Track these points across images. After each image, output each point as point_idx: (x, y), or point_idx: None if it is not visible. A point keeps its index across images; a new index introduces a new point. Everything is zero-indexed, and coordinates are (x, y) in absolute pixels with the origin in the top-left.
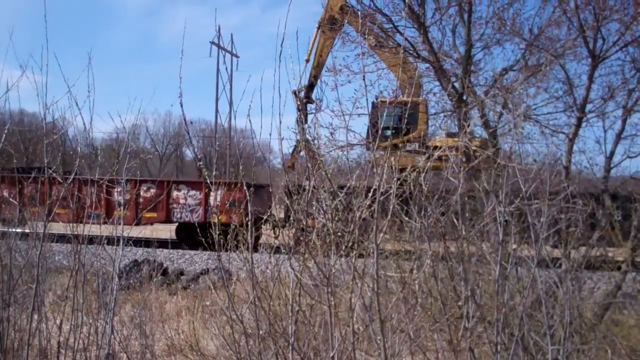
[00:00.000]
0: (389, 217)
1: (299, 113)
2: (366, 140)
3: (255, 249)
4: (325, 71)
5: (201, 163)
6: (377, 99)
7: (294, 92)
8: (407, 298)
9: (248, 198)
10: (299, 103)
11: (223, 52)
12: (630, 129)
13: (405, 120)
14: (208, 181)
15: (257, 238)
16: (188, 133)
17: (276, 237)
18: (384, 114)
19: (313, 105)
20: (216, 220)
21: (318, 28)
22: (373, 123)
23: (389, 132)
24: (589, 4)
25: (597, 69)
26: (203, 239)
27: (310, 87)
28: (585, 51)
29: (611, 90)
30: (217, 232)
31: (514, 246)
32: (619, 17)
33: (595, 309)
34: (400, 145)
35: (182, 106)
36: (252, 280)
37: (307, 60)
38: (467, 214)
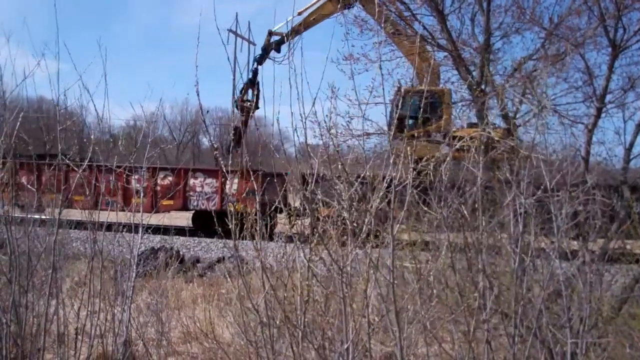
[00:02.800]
0: (405, 207)
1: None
2: (388, 129)
3: (271, 237)
4: (343, 59)
5: (217, 152)
6: (400, 86)
7: (270, 32)
8: (423, 289)
9: (258, 187)
10: (268, 43)
11: (240, 40)
12: None
13: (429, 109)
14: (224, 169)
15: (273, 227)
16: (205, 122)
17: (292, 227)
18: (409, 103)
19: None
20: (232, 209)
21: None
22: (397, 110)
23: (412, 122)
24: None
25: (618, 59)
26: (219, 228)
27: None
28: (606, 41)
29: (631, 80)
30: (234, 222)
31: (533, 238)
32: None
33: (613, 302)
34: (421, 135)
35: (198, 95)
36: (262, 270)
37: (300, 13)
38: (486, 205)
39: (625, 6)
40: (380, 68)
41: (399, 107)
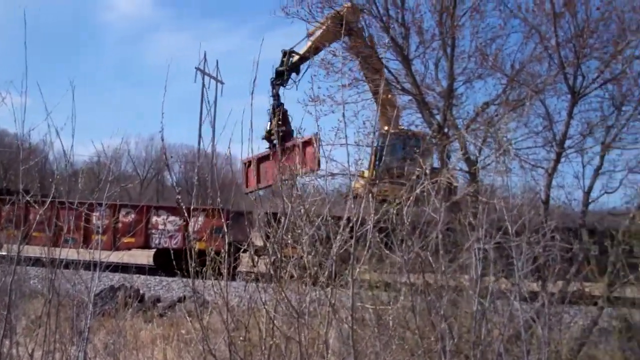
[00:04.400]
0: (367, 249)
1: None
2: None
3: (234, 277)
4: (310, 101)
5: (179, 197)
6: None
7: (289, 52)
8: (384, 331)
9: (225, 225)
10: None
11: (208, 78)
12: (608, 165)
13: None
14: (184, 211)
15: (235, 267)
16: (168, 166)
17: (255, 266)
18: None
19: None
20: (196, 247)
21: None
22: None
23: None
24: (570, 41)
25: (577, 105)
26: (181, 266)
27: (301, 60)
28: (566, 87)
29: (590, 126)
30: (193, 261)
31: (493, 280)
32: (598, 55)
33: (572, 344)
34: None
35: (162, 140)
36: (225, 310)
37: (311, 34)
38: (447, 247)
39: (584, 55)
40: (344, 113)
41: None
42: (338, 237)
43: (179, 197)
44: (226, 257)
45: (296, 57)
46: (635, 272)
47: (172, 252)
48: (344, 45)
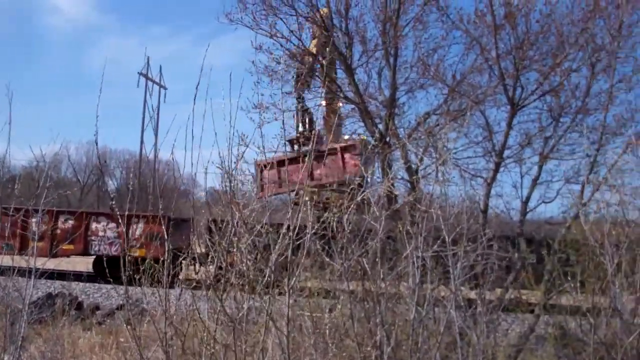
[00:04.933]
0: (304, 257)
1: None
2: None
3: (172, 285)
4: (253, 108)
5: (113, 203)
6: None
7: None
8: (322, 338)
9: (166, 232)
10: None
11: (151, 83)
12: (545, 175)
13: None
14: (120, 218)
15: (175, 275)
16: (102, 171)
17: (196, 273)
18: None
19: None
20: (135, 254)
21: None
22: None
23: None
24: (510, 53)
25: (516, 116)
26: (118, 274)
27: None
28: (505, 98)
29: (528, 137)
30: (126, 269)
31: (431, 287)
32: (537, 67)
33: (509, 350)
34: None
35: (96, 145)
36: (164, 320)
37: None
38: (388, 255)
39: (523, 67)
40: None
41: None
42: (277, 245)
43: (113, 202)
44: (165, 264)
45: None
46: (571, 280)
47: (110, 259)
48: (287, 53)
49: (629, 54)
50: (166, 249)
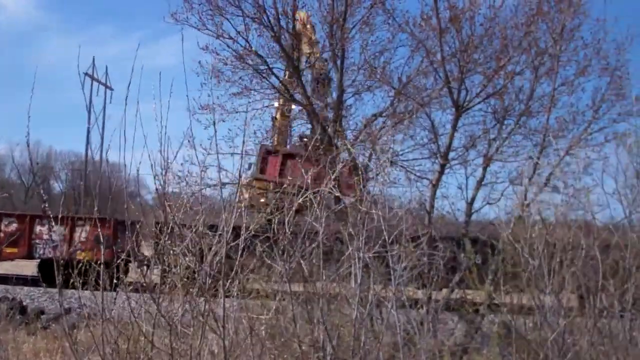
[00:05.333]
0: (245, 258)
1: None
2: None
3: (116, 288)
4: (200, 109)
5: (46, 205)
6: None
7: None
8: (260, 340)
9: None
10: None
11: (97, 83)
12: (490, 176)
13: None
14: (52, 220)
15: (119, 278)
16: (34, 174)
17: (144, 276)
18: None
19: None
20: (80, 258)
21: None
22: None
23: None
24: (455, 56)
25: (461, 118)
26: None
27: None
28: (450, 101)
29: (473, 139)
30: (60, 273)
31: (373, 288)
32: (482, 70)
33: (454, 349)
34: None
35: (28, 145)
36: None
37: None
38: (335, 256)
39: (468, 69)
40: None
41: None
42: (213, 247)
43: (46, 205)
44: (105, 267)
45: None
46: (514, 280)
47: (59, 262)
48: (234, 54)
49: (571, 57)
50: (101, 251)
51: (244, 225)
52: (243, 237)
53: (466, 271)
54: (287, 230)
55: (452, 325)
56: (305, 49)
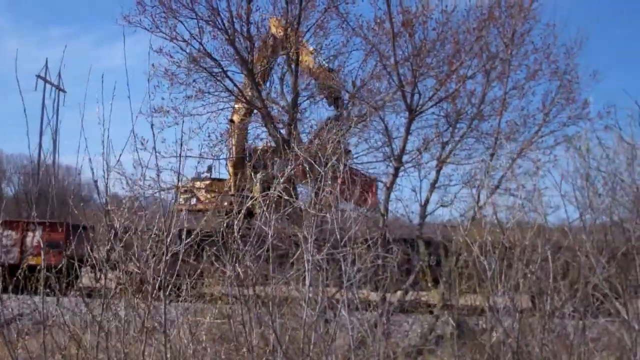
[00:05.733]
0: (179, 263)
1: None
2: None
3: (67, 292)
4: (153, 112)
5: None
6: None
7: None
8: (201, 345)
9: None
10: None
11: (50, 86)
12: (443, 179)
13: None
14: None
15: (70, 282)
16: None
17: (97, 281)
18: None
19: None
20: (32, 262)
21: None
22: None
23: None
24: (408, 60)
25: (414, 122)
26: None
27: None
28: (404, 105)
29: (426, 142)
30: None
31: (327, 291)
32: (434, 74)
33: (410, 350)
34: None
35: None
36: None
37: None
38: (290, 259)
39: (421, 73)
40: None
41: None
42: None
43: None
44: (56, 272)
45: None
46: (468, 281)
47: (9, 268)
48: (188, 57)
49: (522, 61)
50: (53, 256)
51: (185, 229)
52: (187, 241)
53: (420, 273)
54: (235, 234)
55: (407, 327)
56: (309, 61)
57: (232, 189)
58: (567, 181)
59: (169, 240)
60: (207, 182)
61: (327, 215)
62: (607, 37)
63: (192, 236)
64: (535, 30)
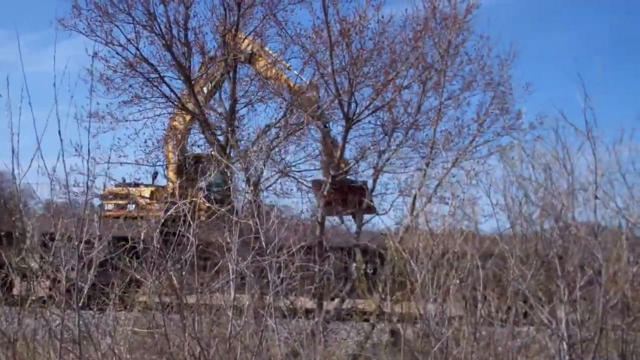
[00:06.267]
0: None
1: None
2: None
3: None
4: (88, 117)
5: None
6: None
7: None
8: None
9: None
10: None
11: None
12: (380, 187)
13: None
14: None
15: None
16: None
17: (27, 290)
18: None
19: None
20: None
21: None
22: None
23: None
24: (345, 69)
25: (351, 130)
26: None
27: None
28: (341, 113)
29: (363, 151)
30: None
31: (251, 299)
32: (371, 83)
33: (344, 359)
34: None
35: None
36: None
37: None
38: (218, 267)
39: (358, 82)
40: None
41: None
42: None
43: None
44: None
45: None
46: (403, 289)
47: None
48: (124, 62)
49: (457, 72)
50: None
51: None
52: (95, 251)
53: (357, 281)
54: (155, 242)
55: (344, 335)
56: (285, 79)
57: (174, 195)
58: (497, 190)
59: (81, 247)
60: (151, 188)
61: (248, 222)
62: (540, 49)
63: (120, 244)
64: (469, 41)
